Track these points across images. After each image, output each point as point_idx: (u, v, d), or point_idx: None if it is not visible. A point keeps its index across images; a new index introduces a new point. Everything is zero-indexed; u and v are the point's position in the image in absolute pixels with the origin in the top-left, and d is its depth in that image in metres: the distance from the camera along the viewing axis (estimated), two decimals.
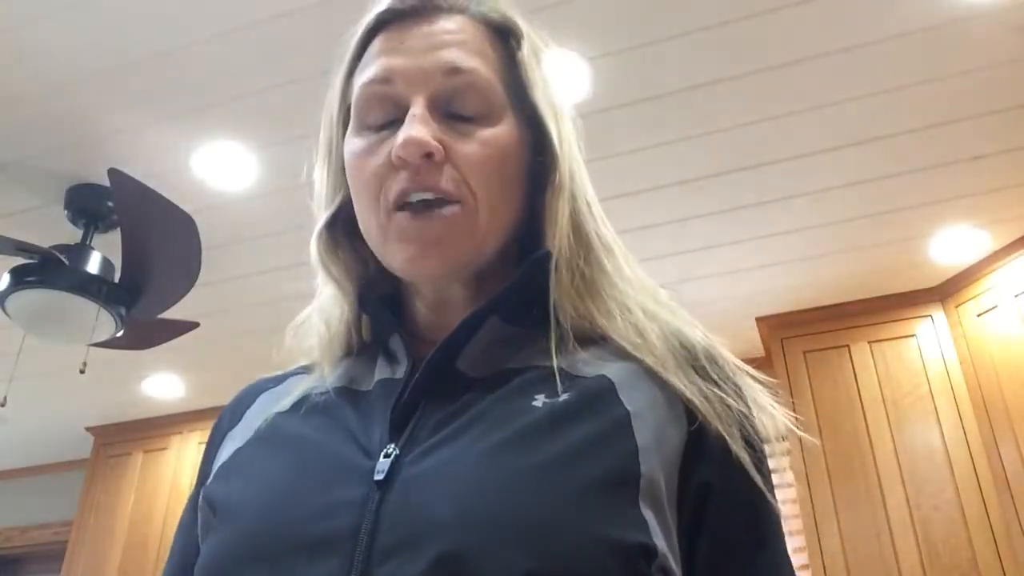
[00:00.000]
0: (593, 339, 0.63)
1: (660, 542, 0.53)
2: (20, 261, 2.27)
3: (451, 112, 0.63)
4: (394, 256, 0.64)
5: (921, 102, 2.12)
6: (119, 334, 2.47)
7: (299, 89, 2.07)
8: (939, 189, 2.43)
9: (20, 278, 2.26)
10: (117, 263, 2.37)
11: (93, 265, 2.36)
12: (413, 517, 0.52)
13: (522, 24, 0.69)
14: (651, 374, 0.60)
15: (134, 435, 3.82)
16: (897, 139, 2.24)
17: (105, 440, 3.88)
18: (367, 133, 0.65)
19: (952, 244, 2.66)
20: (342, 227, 0.69)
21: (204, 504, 0.63)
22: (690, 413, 0.59)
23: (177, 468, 3.64)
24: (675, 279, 2.81)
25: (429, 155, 0.60)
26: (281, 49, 1.98)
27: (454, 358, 0.62)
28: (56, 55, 2.00)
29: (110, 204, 2.39)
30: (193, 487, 0.71)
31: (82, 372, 2.39)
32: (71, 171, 2.36)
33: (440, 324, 0.66)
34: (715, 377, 0.61)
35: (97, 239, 2.45)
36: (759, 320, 3.04)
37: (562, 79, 0.71)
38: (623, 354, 0.62)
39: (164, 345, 2.78)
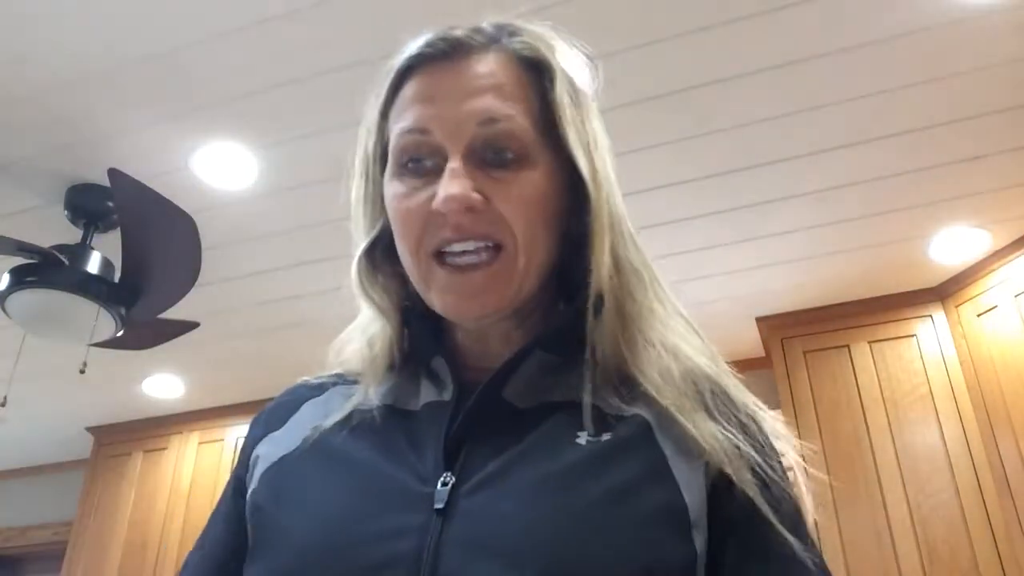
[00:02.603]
0: (627, 374, 0.65)
1: (702, 571, 0.57)
2: (20, 261, 2.27)
3: (488, 160, 0.64)
4: (434, 302, 0.66)
5: (921, 102, 2.12)
6: (119, 334, 2.47)
7: (299, 89, 2.07)
8: (939, 189, 2.43)
9: (20, 278, 2.26)
10: (117, 263, 2.37)
11: (93, 265, 2.36)
12: (474, 548, 0.54)
13: (553, 58, 0.68)
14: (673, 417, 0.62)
15: (134, 435, 3.82)
16: (897, 139, 2.24)
17: (105, 440, 3.88)
18: (407, 178, 0.66)
19: (952, 244, 2.66)
20: (382, 250, 0.70)
21: (252, 507, 0.65)
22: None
23: (177, 468, 3.65)
24: (675, 279, 2.79)
25: (470, 207, 0.62)
26: (281, 49, 1.98)
27: (501, 387, 0.65)
28: (56, 55, 2.00)
29: (110, 204, 2.39)
30: (232, 477, 0.72)
31: (82, 372, 2.39)
32: (71, 171, 2.36)
33: (483, 353, 0.69)
34: (722, 417, 0.63)
35: (97, 239, 2.45)
36: (759, 320, 3.04)
37: (590, 84, 0.71)
38: (650, 393, 0.64)
39: (164, 345, 2.78)
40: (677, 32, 1.94)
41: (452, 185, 0.62)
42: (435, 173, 0.64)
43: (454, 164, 0.63)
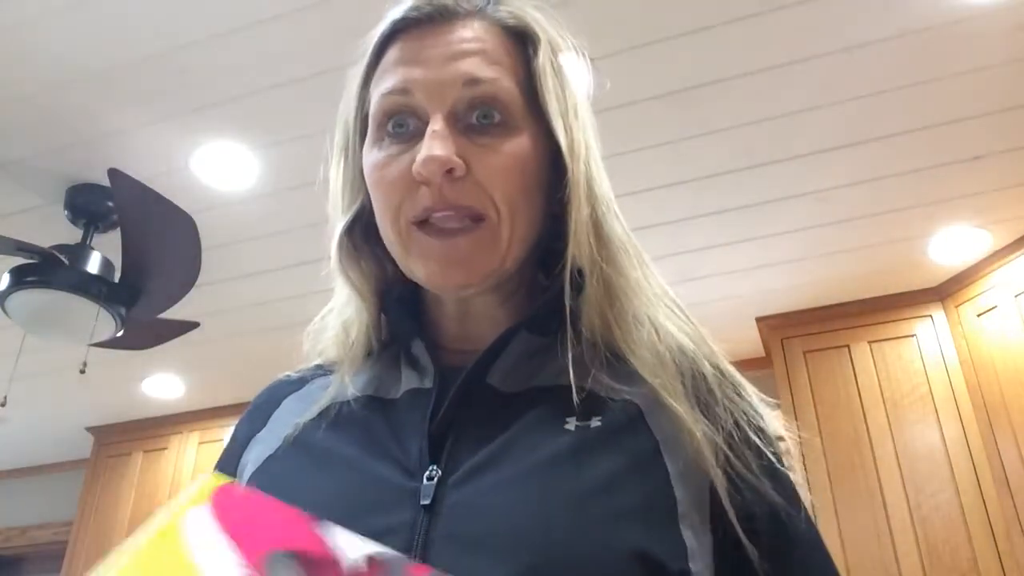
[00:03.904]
0: (615, 353, 0.63)
1: (698, 564, 0.55)
2: (20, 261, 2.27)
3: (470, 123, 0.62)
4: (416, 270, 0.64)
5: (921, 102, 2.12)
6: (119, 334, 2.47)
7: (299, 89, 2.08)
8: (939, 189, 2.43)
9: (20, 278, 2.26)
10: (117, 263, 2.37)
11: (93, 265, 2.36)
12: (462, 544, 0.53)
13: (538, 28, 0.67)
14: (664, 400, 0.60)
15: (134, 435, 3.82)
16: (897, 139, 2.24)
17: (105, 440, 3.88)
18: (386, 144, 0.64)
19: (952, 244, 2.66)
20: (360, 230, 0.68)
21: None
22: None
23: (177, 468, 3.65)
24: (675, 279, 2.80)
25: (450, 171, 0.60)
26: (281, 49, 1.98)
27: (485, 372, 0.63)
28: (56, 55, 2.00)
29: (110, 204, 2.40)
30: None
31: (82, 372, 2.39)
32: (71, 171, 2.36)
33: (464, 334, 0.67)
34: (699, 406, 0.61)
35: (97, 239, 2.45)
36: (759, 320, 3.04)
37: (580, 74, 0.69)
38: (640, 373, 0.62)
39: (164, 345, 2.78)
40: (677, 32, 1.94)
41: (433, 147, 0.59)
42: (416, 137, 0.62)
43: (436, 126, 0.61)
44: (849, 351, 2.89)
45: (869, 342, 2.88)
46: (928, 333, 2.82)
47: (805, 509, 0.62)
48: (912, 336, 2.84)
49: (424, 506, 0.55)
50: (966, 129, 2.21)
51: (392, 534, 0.54)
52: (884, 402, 2.76)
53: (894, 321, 2.88)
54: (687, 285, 2.83)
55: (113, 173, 2.07)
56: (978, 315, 2.72)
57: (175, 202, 2.20)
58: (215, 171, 2.35)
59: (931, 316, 2.84)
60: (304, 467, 0.62)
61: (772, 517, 0.59)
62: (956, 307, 2.80)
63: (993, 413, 2.59)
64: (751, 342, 3.14)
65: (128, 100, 2.13)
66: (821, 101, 2.13)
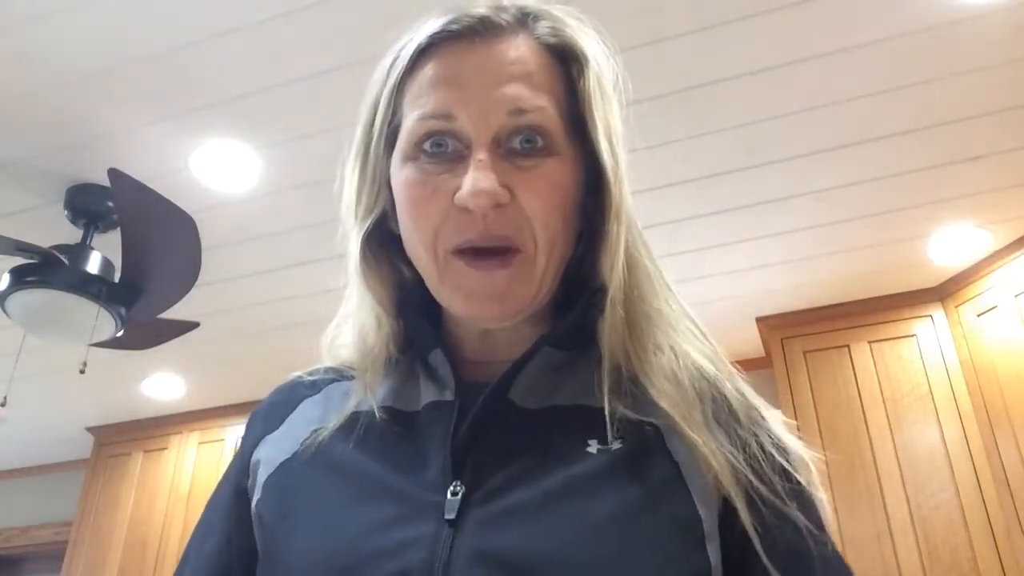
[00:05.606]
0: (635, 376, 0.63)
1: None
2: (20, 261, 2.27)
3: (512, 147, 0.61)
4: (451, 300, 0.63)
5: (921, 102, 2.12)
6: (119, 334, 2.47)
7: (299, 89, 2.07)
8: (939, 189, 2.43)
9: (20, 278, 2.26)
10: (117, 263, 2.37)
11: (93, 265, 2.36)
12: (486, 561, 0.53)
13: (584, 45, 0.65)
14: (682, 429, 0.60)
15: (134, 435, 3.82)
16: (897, 139, 2.24)
17: (105, 440, 3.88)
18: (422, 163, 0.62)
19: (952, 244, 2.66)
20: (377, 236, 0.67)
21: (257, 518, 0.64)
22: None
23: (177, 468, 3.65)
24: (675, 279, 2.79)
25: (497, 203, 0.59)
26: (281, 49, 1.98)
27: (507, 388, 0.62)
28: (56, 55, 2.00)
29: (110, 204, 2.40)
30: (226, 477, 0.70)
31: (82, 372, 2.39)
32: (71, 171, 2.36)
33: (486, 349, 0.67)
34: (721, 431, 0.61)
35: (97, 239, 2.45)
36: (759, 320, 3.04)
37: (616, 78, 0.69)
38: (659, 401, 0.62)
39: (164, 345, 2.78)
40: (677, 32, 1.94)
41: (481, 179, 0.58)
42: (455, 160, 0.61)
43: (481, 155, 0.60)
44: (849, 351, 2.89)
45: (869, 342, 2.88)
46: (928, 333, 2.82)
47: (830, 535, 0.62)
48: (912, 336, 2.84)
49: (448, 520, 0.55)
50: (966, 129, 2.21)
51: (414, 545, 0.54)
52: (884, 402, 2.76)
53: (894, 321, 2.88)
54: (687, 285, 2.83)
55: (113, 173, 2.07)
56: (978, 315, 2.72)
57: (175, 202, 2.20)
58: (215, 171, 2.35)
59: (931, 316, 2.84)
60: (325, 481, 0.62)
61: (797, 540, 0.58)
62: (956, 307, 2.80)
63: (993, 413, 2.59)
64: (751, 342, 3.14)
65: (128, 100, 2.13)
66: (821, 101, 2.13)
